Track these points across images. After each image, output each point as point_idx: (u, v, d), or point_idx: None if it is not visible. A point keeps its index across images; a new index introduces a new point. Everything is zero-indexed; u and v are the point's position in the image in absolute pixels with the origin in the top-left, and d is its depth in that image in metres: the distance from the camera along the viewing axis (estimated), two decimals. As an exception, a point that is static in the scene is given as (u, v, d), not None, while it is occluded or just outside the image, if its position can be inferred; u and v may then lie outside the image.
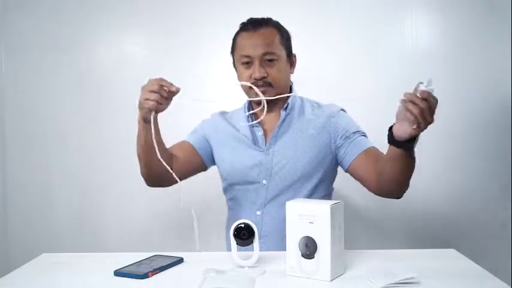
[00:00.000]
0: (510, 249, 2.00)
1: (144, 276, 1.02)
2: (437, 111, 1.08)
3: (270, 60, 1.41)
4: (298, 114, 1.48)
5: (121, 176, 2.09)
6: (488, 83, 2.02)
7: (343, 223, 1.02)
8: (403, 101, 1.07)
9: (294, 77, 1.52)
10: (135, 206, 2.13)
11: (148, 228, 2.12)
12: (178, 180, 1.27)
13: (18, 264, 1.15)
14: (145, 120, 1.28)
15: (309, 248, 0.99)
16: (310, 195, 1.42)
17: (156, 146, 1.25)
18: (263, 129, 1.48)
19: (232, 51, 1.49)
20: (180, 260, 1.13)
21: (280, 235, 1.31)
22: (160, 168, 1.27)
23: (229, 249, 1.30)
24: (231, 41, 1.49)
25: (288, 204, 1.03)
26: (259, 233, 1.14)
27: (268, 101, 1.33)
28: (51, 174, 2.17)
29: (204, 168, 1.55)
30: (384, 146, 1.27)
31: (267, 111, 1.35)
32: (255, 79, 1.39)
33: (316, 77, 1.98)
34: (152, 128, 1.25)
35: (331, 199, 1.44)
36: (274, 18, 1.47)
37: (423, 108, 1.05)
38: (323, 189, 1.45)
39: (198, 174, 1.55)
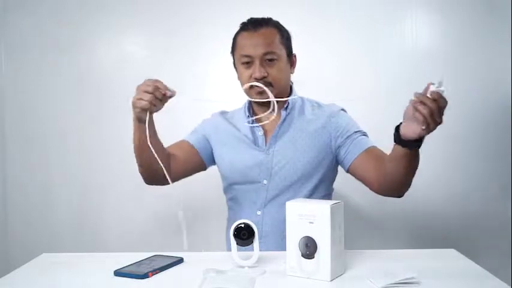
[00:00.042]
0: (510, 249, 2.00)
1: (144, 276, 1.02)
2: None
3: (271, 60, 1.41)
4: (299, 114, 1.48)
5: (121, 176, 2.09)
6: (488, 83, 2.02)
7: (343, 223, 1.02)
8: (413, 101, 1.07)
9: (294, 77, 1.52)
10: (135, 206, 2.13)
11: (148, 228, 2.12)
12: (170, 182, 1.25)
13: (18, 264, 1.15)
14: (139, 120, 1.28)
15: (309, 248, 0.99)
16: (310, 195, 1.42)
17: (150, 146, 1.24)
18: (263, 129, 1.47)
19: (233, 51, 1.49)
20: (180, 260, 1.13)
21: (281, 235, 1.31)
22: (157, 167, 1.27)
23: (229, 249, 1.30)
24: (231, 41, 1.48)
25: (288, 204, 1.03)
26: (259, 233, 1.14)
27: (268, 101, 1.33)
28: (51, 174, 2.17)
29: (203, 167, 1.55)
30: (384, 146, 1.27)
31: (267, 111, 1.35)
32: (256, 79, 1.39)
33: (316, 77, 1.98)
34: (146, 128, 1.24)
35: (331, 199, 1.44)
36: (274, 18, 1.47)
37: (433, 109, 1.05)
38: (323, 189, 1.45)
39: (198, 174, 1.55)
